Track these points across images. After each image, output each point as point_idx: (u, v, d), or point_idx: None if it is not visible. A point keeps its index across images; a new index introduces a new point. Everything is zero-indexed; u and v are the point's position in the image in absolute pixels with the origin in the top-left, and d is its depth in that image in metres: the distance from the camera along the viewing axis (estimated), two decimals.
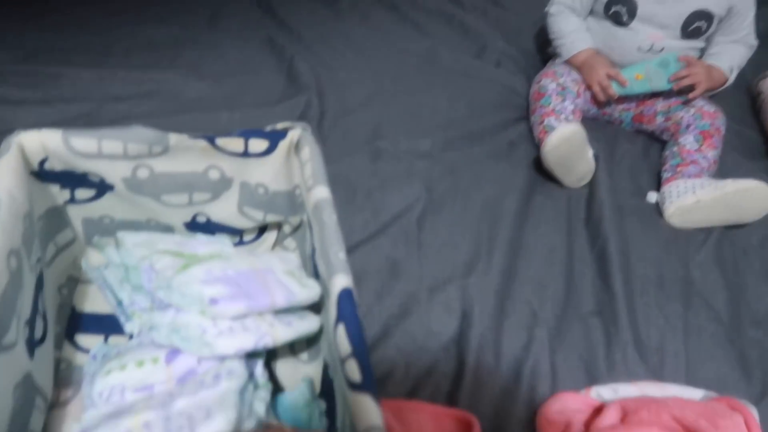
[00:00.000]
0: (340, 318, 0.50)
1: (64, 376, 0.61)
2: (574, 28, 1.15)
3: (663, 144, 1.13)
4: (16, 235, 0.52)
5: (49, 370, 0.59)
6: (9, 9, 1.20)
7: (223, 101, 1.03)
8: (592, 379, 0.71)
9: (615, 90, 1.10)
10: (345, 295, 0.51)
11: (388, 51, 1.26)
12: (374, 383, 0.44)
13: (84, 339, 0.65)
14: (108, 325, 0.66)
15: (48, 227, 0.64)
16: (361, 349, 0.47)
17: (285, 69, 1.14)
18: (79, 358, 0.63)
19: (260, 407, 0.49)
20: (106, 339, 0.65)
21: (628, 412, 0.61)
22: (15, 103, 0.95)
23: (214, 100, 1.03)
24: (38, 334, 0.57)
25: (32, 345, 0.55)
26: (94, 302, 0.68)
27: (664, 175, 1.05)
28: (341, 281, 0.52)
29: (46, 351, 0.58)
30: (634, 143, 1.15)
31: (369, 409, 0.43)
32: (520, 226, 0.91)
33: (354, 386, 0.45)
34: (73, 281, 0.69)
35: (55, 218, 0.65)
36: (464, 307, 0.76)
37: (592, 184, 1.01)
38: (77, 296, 0.68)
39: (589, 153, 0.99)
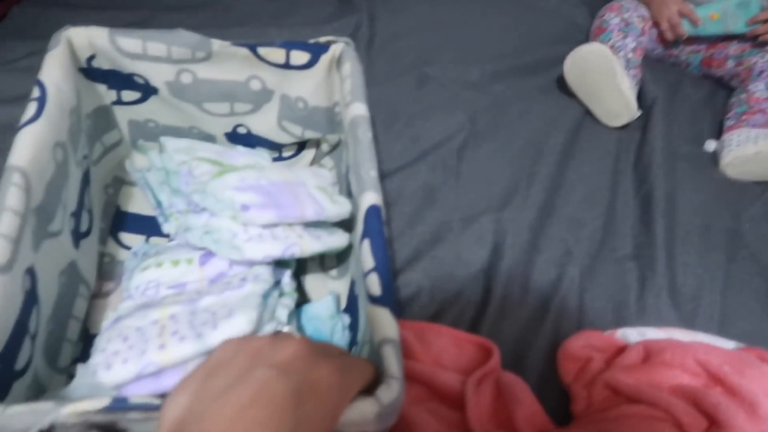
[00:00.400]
0: (365, 233, 0.50)
1: (107, 270, 0.65)
2: None
3: (730, 91, 1.06)
4: (63, 129, 0.54)
5: (93, 262, 0.62)
6: None
7: (273, 17, 1.02)
8: (621, 321, 0.70)
9: (685, 29, 1.03)
10: (372, 212, 0.51)
11: None
12: (393, 299, 0.45)
13: (127, 237, 0.68)
14: (149, 226, 0.68)
15: (96, 126, 0.66)
16: (383, 265, 0.47)
17: None
18: (122, 254, 0.66)
19: (282, 313, 0.50)
20: (147, 239, 0.68)
21: (651, 353, 0.60)
22: (69, 6, 0.96)
23: (264, 15, 1.02)
24: (84, 227, 0.60)
25: (78, 236, 0.58)
26: (137, 204, 0.71)
27: (727, 123, 0.99)
28: (370, 198, 0.52)
29: (90, 243, 0.61)
30: (699, 88, 1.08)
31: (386, 321, 0.43)
32: (564, 164, 0.88)
33: (373, 299, 0.45)
34: (119, 182, 0.72)
35: (103, 118, 0.67)
36: (496, 239, 0.76)
37: (645, 128, 0.96)
38: (122, 197, 0.71)
39: (623, 83, 0.92)
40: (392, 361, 0.40)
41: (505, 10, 1.14)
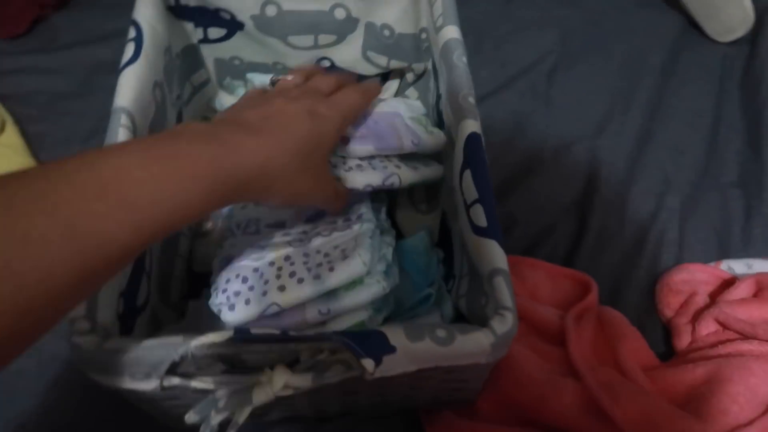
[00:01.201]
0: (467, 163, 0.49)
1: None
2: None
3: None
4: (159, 68, 0.55)
5: None
6: None
7: None
8: (725, 252, 0.67)
9: None
10: (474, 140, 0.49)
11: None
12: (499, 229, 0.44)
13: None
14: None
15: (185, 66, 0.66)
16: (488, 195, 0.46)
17: None
18: None
19: (388, 252, 0.51)
20: None
21: (764, 287, 0.57)
22: None
23: None
24: None
25: None
26: None
27: None
28: (470, 125, 0.50)
29: None
30: None
31: (495, 252, 0.42)
32: (664, 85, 0.82)
33: (479, 231, 0.45)
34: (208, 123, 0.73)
35: (191, 57, 0.67)
36: (591, 170, 0.72)
37: (754, 41, 0.87)
38: None
39: None
40: (504, 292, 0.40)
41: None
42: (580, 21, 0.87)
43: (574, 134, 0.76)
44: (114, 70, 0.50)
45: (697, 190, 0.72)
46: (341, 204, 0.50)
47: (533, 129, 0.76)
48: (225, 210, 0.63)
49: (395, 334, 0.38)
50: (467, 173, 0.48)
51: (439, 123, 0.63)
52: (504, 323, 0.39)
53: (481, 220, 0.45)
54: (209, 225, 0.66)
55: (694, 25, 0.89)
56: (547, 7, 0.88)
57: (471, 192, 0.47)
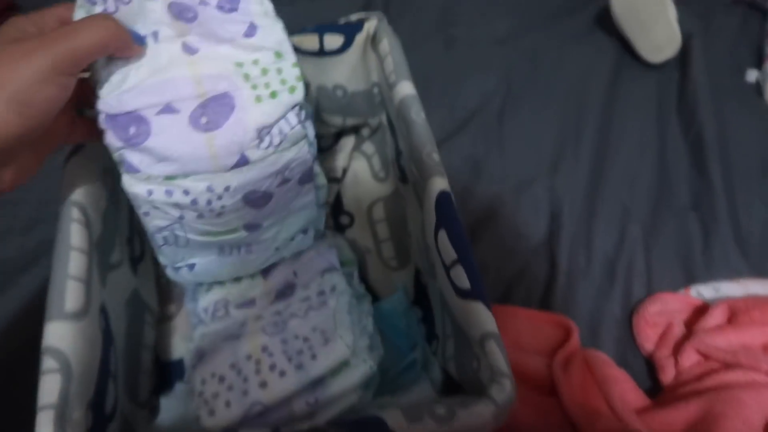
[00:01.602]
0: (441, 222, 0.48)
1: (165, 291, 0.63)
2: None
3: (764, 14, 1.01)
4: (108, 155, 0.51)
5: (152, 286, 0.60)
6: None
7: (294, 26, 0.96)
8: (690, 276, 0.68)
9: None
10: (444, 199, 0.48)
11: None
12: (484, 289, 0.42)
13: None
14: None
15: None
16: (467, 255, 0.44)
17: None
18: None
19: (368, 322, 0.49)
20: None
21: (736, 312, 0.58)
22: None
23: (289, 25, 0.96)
24: (137, 251, 0.58)
25: (134, 262, 0.56)
26: None
27: (767, 50, 0.94)
28: (438, 184, 0.49)
29: (146, 267, 0.59)
30: (731, 14, 1.03)
31: (483, 315, 0.41)
32: (606, 115, 0.84)
33: (463, 293, 0.43)
34: None
35: None
36: (553, 208, 0.73)
37: (683, 65, 0.92)
38: None
39: (671, 13, 0.88)
40: (499, 357, 0.38)
41: None
42: (520, 61, 0.89)
43: (531, 173, 0.76)
44: (58, 147, 0.46)
45: (655, 217, 0.74)
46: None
47: (490, 171, 0.76)
48: (187, 292, 0.59)
49: (393, 418, 0.36)
50: (442, 233, 0.47)
51: (402, 177, 0.62)
52: (503, 391, 0.37)
53: (464, 282, 0.43)
54: (171, 308, 0.62)
55: (626, 56, 0.93)
56: (486, 50, 0.89)
57: (449, 252, 0.45)
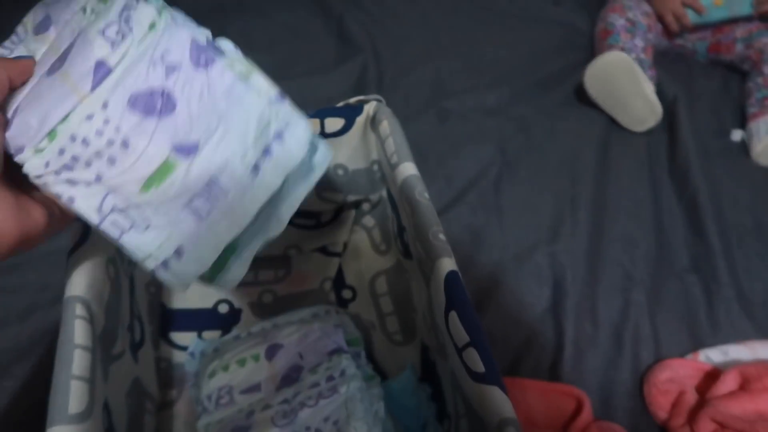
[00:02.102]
0: (451, 305, 0.47)
1: (166, 375, 0.61)
2: None
3: (742, 75, 1.05)
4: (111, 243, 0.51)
5: (152, 372, 0.59)
6: None
7: (277, 70, 0.98)
8: (697, 340, 0.68)
9: (690, 19, 1.01)
10: (453, 280, 0.48)
11: None
12: (498, 373, 0.42)
13: (178, 336, 0.64)
14: (200, 321, 0.65)
15: None
16: (479, 337, 0.44)
17: (335, 30, 1.09)
18: (177, 356, 0.63)
19: (380, 407, 0.47)
20: (199, 334, 0.65)
21: (749, 379, 0.57)
22: None
23: (267, 70, 0.98)
24: (137, 337, 0.57)
25: (134, 349, 0.55)
26: (182, 298, 0.67)
27: (750, 110, 0.97)
28: (446, 264, 0.49)
29: (146, 353, 0.58)
30: (712, 77, 1.07)
31: (500, 401, 0.40)
32: (601, 180, 0.86)
33: (477, 377, 0.42)
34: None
35: None
36: (555, 275, 0.73)
37: (671, 128, 0.95)
38: (165, 293, 0.68)
39: (647, 88, 0.91)
40: None
41: (507, 25, 1.13)
42: (512, 129, 0.92)
43: (531, 241, 0.77)
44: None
45: (657, 281, 0.74)
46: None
47: (490, 240, 0.77)
48: (189, 377, 0.58)
49: None
50: (453, 315, 0.46)
51: (406, 253, 0.62)
52: None
53: (478, 366, 0.43)
54: (173, 394, 0.60)
55: (615, 122, 0.95)
56: (479, 121, 0.92)
57: (461, 335, 0.45)
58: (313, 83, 0.97)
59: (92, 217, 0.37)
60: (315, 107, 0.62)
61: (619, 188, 0.85)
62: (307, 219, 0.72)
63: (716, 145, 0.93)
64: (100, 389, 0.43)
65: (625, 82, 0.90)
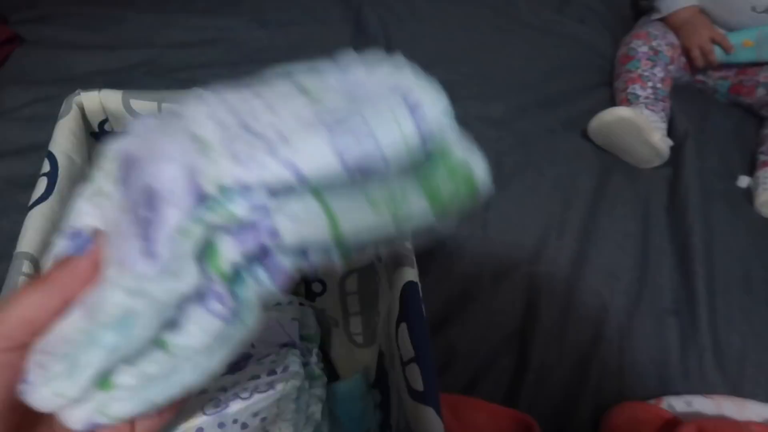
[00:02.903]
0: (403, 316, 0.46)
1: None
2: None
3: (760, 120, 1.02)
4: None
5: None
6: None
7: (286, 52, 0.98)
8: (664, 384, 0.67)
9: (717, 56, 0.99)
10: (410, 290, 0.47)
11: (461, 1, 1.17)
12: (437, 394, 0.41)
13: None
14: None
15: None
16: (425, 354, 0.43)
17: (352, 18, 1.07)
18: None
19: (317, 409, 0.46)
20: None
21: None
22: (78, 48, 0.92)
23: (276, 51, 0.98)
24: None
25: None
26: None
27: (760, 157, 0.95)
28: (407, 274, 0.48)
29: None
30: (728, 117, 1.04)
31: (432, 423, 0.39)
32: (594, 208, 0.84)
33: (415, 395, 0.42)
34: None
35: None
36: (530, 298, 0.72)
37: (676, 164, 0.92)
38: None
39: (655, 137, 0.88)
40: None
41: (527, 37, 1.10)
42: (512, 143, 0.90)
43: (512, 260, 0.75)
44: (29, 185, 0.46)
45: (633, 318, 0.72)
46: None
47: (471, 254, 0.75)
48: None
49: None
50: (403, 327, 0.45)
51: (379, 255, 0.61)
52: None
53: (418, 383, 0.42)
54: None
55: None
56: (480, 130, 0.90)
57: (407, 348, 0.44)
58: None
59: None
60: None
61: (611, 218, 0.83)
62: None
63: (720, 188, 0.90)
64: None
65: (630, 137, 0.89)
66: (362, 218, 0.24)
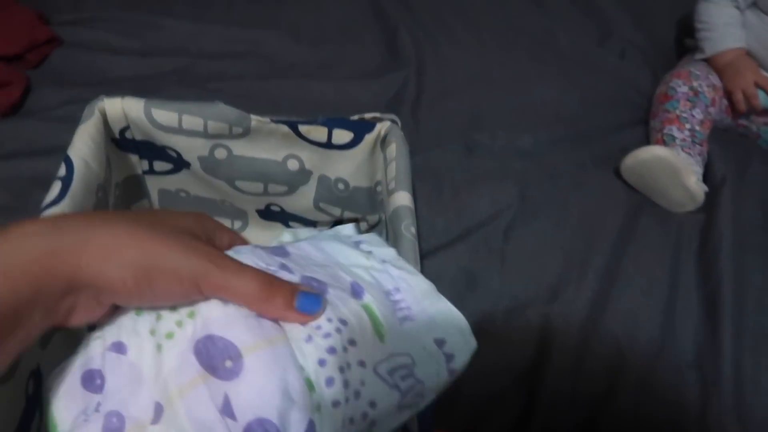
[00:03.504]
0: None
1: None
2: (727, 21, 0.99)
3: None
4: (87, 208, 0.51)
5: None
6: None
7: (317, 69, 0.98)
8: None
9: (761, 101, 0.95)
10: None
11: (500, 27, 1.15)
12: None
13: None
14: None
15: (125, 195, 0.62)
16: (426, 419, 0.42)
17: (387, 39, 1.07)
18: None
19: None
20: None
21: None
22: (114, 52, 0.94)
23: (308, 67, 0.98)
24: None
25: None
26: None
27: None
28: None
29: None
30: None
31: None
32: (620, 250, 0.81)
33: None
34: None
35: (133, 187, 0.63)
36: (543, 338, 0.69)
37: (711, 210, 0.88)
38: None
39: (691, 180, 0.84)
40: None
41: (564, 67, 1.08)
42: (539, 176, 0.87)
43: (528, 296, 0.73)
44: None
45: (652, 369, 0.69)
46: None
47: (485, 287, 0.73)
48: None
49: None
50: None
51: None
52: None
53: (413, 424, 0.40)
54: None
55: None
56: (506, 160, 0.88)
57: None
58: (351, 88, 0.95)
59: None
60: (347, 113, 0.60)
61: (637, 262, 0.79)
62: (304, 226, 0.70)
63: (755, 239, 0.86)
64: (32, 353, 0.43)
65: (664, 177, 0.85)
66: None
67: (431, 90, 0.98)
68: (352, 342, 0.32)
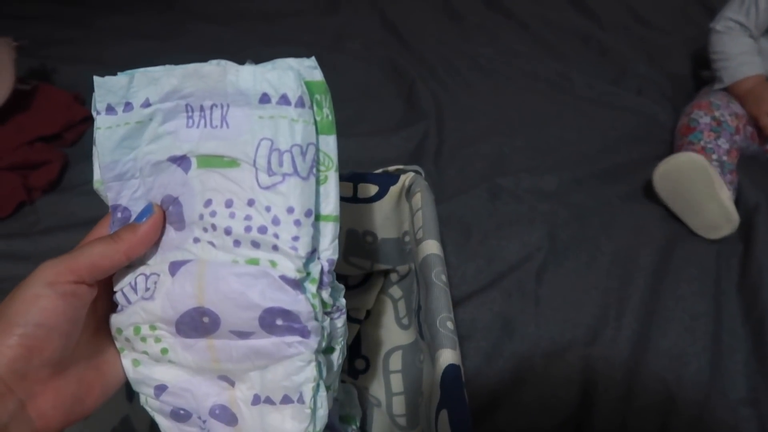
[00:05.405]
0: (444, 403, 0.44)
1: None
2: (743, 50, 0.99)
3: None
4: None
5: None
6: None
7: (339, 127, 1.00)
8: None
9: None
10: (451, 374, 0.45)
11: (515, 74, 1.18)
12: None
13: None
14: None
15: None
16: None
17: (405, 93, 1.10)
18: None
19: None
20: None
21: None
22: None
23: None
24: None
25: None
26: None
27: None
28: (448, 357, 0.46)
29: None
30: None
31: None
32: (657, 285, 0.79)
33: None
34: None
35: None
36: (586, 382, 0.67)
37: (748, 238, 0.86)
38: None
39: (724, 193, 0.83)
40: None
41: (581, 108, 1.09)
42: (566, 216, 0.87)
43: (566, 339, 0.71)
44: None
45: (704, 409, 0.66)
46: None
47: (522, 332, 0.72)
48: None
49: None
50: (444, 414, 0.43)
51: (421, 332, 0.59)
52: None
53: None
54: None
55: (683, 224, 0.88)
56: (532, 203, 0.88)
57: None
58: (373, 144, 0.97)
59: None
60: (371, 168, 0.62)
61: (676, 297, 0.77)
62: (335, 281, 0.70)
63: None
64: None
65: (699, 186, 0.84)
66: None
67: (452, 139, 0.99)
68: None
